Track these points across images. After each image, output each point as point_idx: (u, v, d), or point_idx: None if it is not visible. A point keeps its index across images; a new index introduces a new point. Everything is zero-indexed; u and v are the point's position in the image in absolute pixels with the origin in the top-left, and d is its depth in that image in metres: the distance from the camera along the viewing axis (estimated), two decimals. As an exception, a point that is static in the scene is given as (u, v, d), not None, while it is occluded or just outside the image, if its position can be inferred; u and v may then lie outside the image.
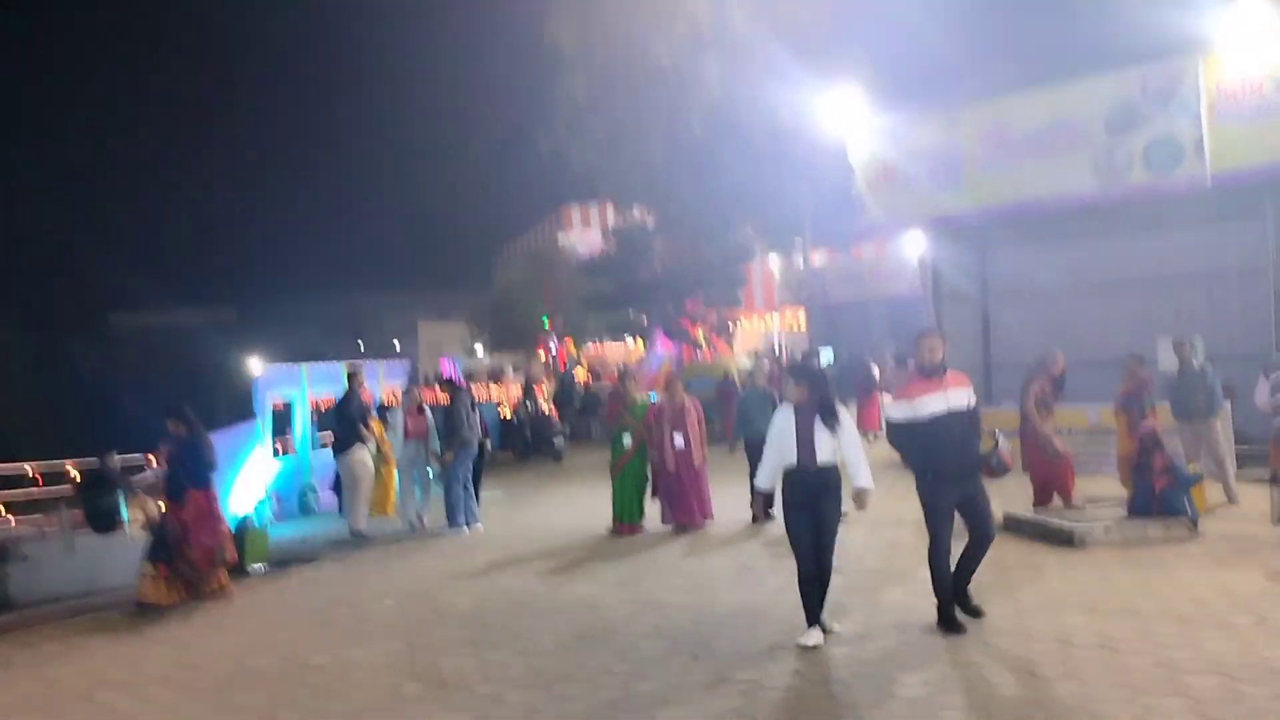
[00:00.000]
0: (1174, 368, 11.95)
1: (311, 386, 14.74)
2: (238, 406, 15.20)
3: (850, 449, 6.28)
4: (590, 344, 40.89)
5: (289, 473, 14.24)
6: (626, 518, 10.78)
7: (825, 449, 6.17)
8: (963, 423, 6.28)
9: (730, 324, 31.63)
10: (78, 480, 14.89)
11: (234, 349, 47.39)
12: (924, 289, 17.23)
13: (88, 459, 13.86)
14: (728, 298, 30.96)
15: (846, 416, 6.35)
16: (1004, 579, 7.62)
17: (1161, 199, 14.05)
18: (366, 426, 12.36)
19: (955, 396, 6.28)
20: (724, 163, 27.29)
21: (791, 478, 6.25)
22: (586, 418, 26.15)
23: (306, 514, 14.27)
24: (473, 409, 12.09)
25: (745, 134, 26.58)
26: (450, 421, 11.83)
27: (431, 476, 12.48)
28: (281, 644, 7.22)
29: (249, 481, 13.22)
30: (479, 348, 50.07)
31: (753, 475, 10.16)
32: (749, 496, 10.46)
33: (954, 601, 6.39)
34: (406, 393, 13.08)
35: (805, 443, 6.17)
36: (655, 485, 10.82)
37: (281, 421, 14.36)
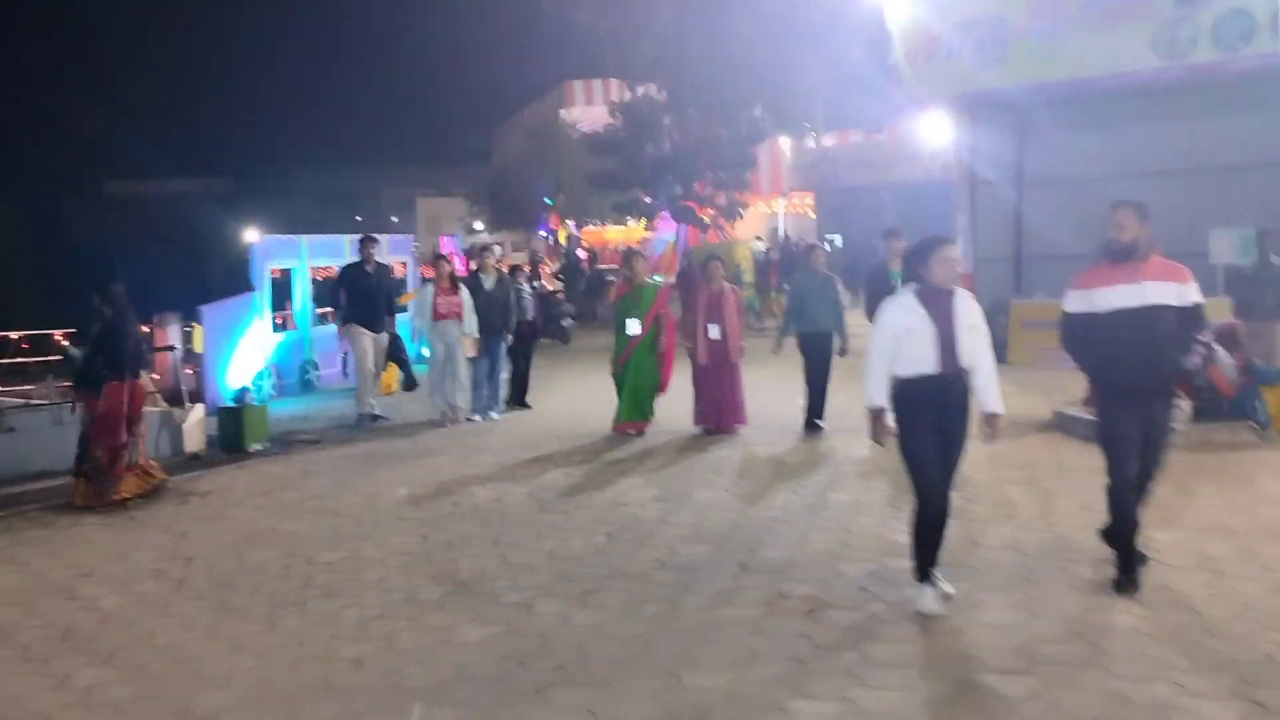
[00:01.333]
0: (1233, 260, 11.19)
1: (311, 258, 13.94)
2: (234, 278, 14.44)
3: (986, 355, 4.87)
4: (589, 224, 39.82)
5: (289, 347, 13.56)
6: (629, 414, 9.59)
7: (966, 351, 4.75)
8: (1161, 323, 4.86)
9: (739, 207, 30.60)
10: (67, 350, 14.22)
11: (230, 220, 46.43)
12: (957, 172, 16.25)
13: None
14: (737, 180, 29.84)
15: (980, 312, 4.92)
16: (1069, 484, 7.03)
17: (1227, 79, 13.03)
18: (392, 302, 11.50)
19: (1155, 290, 4.86)
20: (737, 33, 25.96)
21: (917, 388, 4.73)
22: (591, 299, 25.43)
23: (308, 390, 13.66)
24: (509, 286, 11.23)
25: (761, 2, 25.24)
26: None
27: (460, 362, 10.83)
28: (285, 536, 6.65)
29: (247, 356, 12.56)
30: (479, 225, 48.92)
31: (811, 377, 9.31)
32: (802, 401, 9.50)
33: (1133, 549, 5.04)
34: (436, 266, 11.79)
35: (946, 342, 4.69)
36: (665, 380, 9.78)
37: (281, 295, 13.61)
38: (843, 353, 9.31)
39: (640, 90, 29.54)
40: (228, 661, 4.63)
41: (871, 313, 8.37)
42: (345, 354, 13.48)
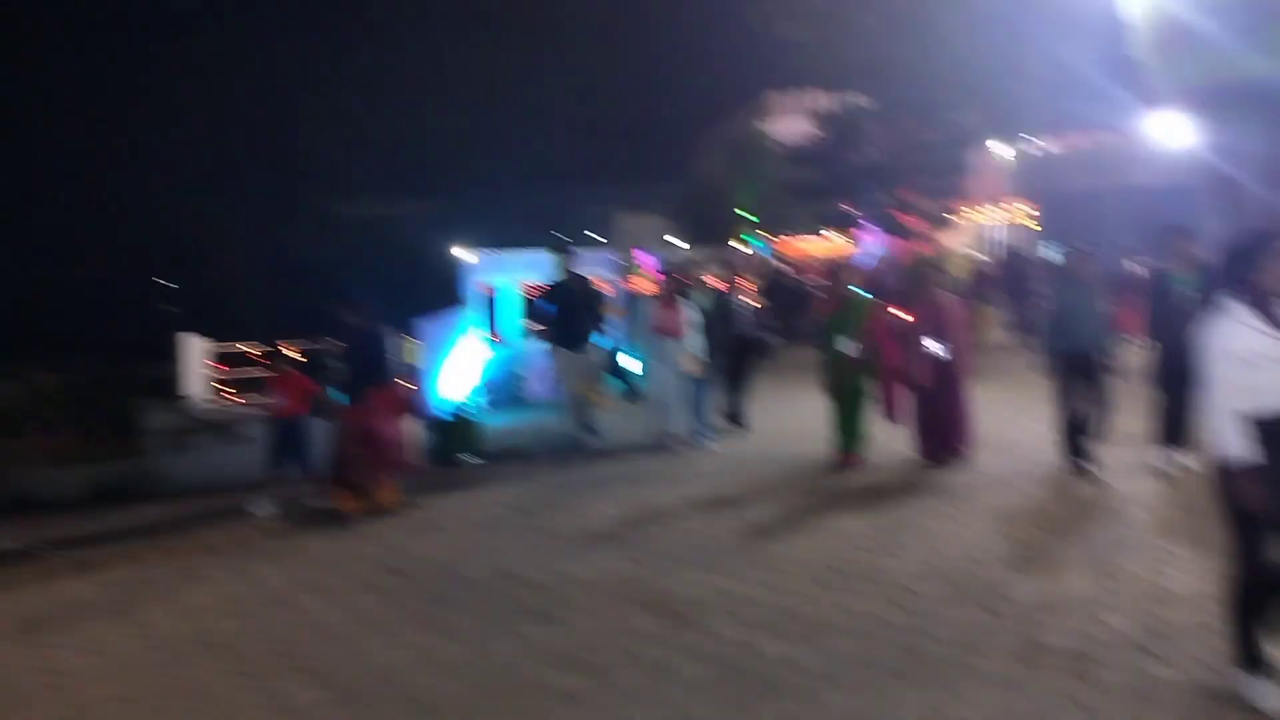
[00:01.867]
0: None
1: (519, 274, 14.10)
2: (445, 294, 14.82)
3: None
4: (788, 238, 39.19)
5: (499, 362, 13.73)
6: (846, 443, 8.71)
7: None
8: None
9: (949, 215, 29.24)
10: (297, 363, 14.98)
11: (441, 237, 48.57)
12: (1206, 172, 14.80)
13: (308, 342, 13.83)
14: (947, 187, 28.55)
15: None
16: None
17: None
18: (600, 319, 11.10)
19: None
20: (949, 34, 24.82)
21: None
22: (792, 314, 24.83)
23: (517, 405, 13.79)
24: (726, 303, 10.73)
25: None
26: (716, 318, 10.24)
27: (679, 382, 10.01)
28: (495, 552, 6.53)
29: (460, 370, 12.79)
30: (677, 240, 49.10)
31: (1065, 404, 7.81)
32: (1058, 434, 7.98)
33: None
34: (663, 280, 10.99)
35: None
36: (890, 405, 8.75)
37: (492, 310, 13.83)
38: (1108, 374, 7.93)
39: (844, 97, 28.82)
40: (440, 688, 4.47)
41: (1157, 330, 7.42)
42: (554, 369, 13.54)
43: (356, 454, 7.78)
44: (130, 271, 76.40)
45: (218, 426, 13.58)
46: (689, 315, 9.74)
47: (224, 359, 15.43)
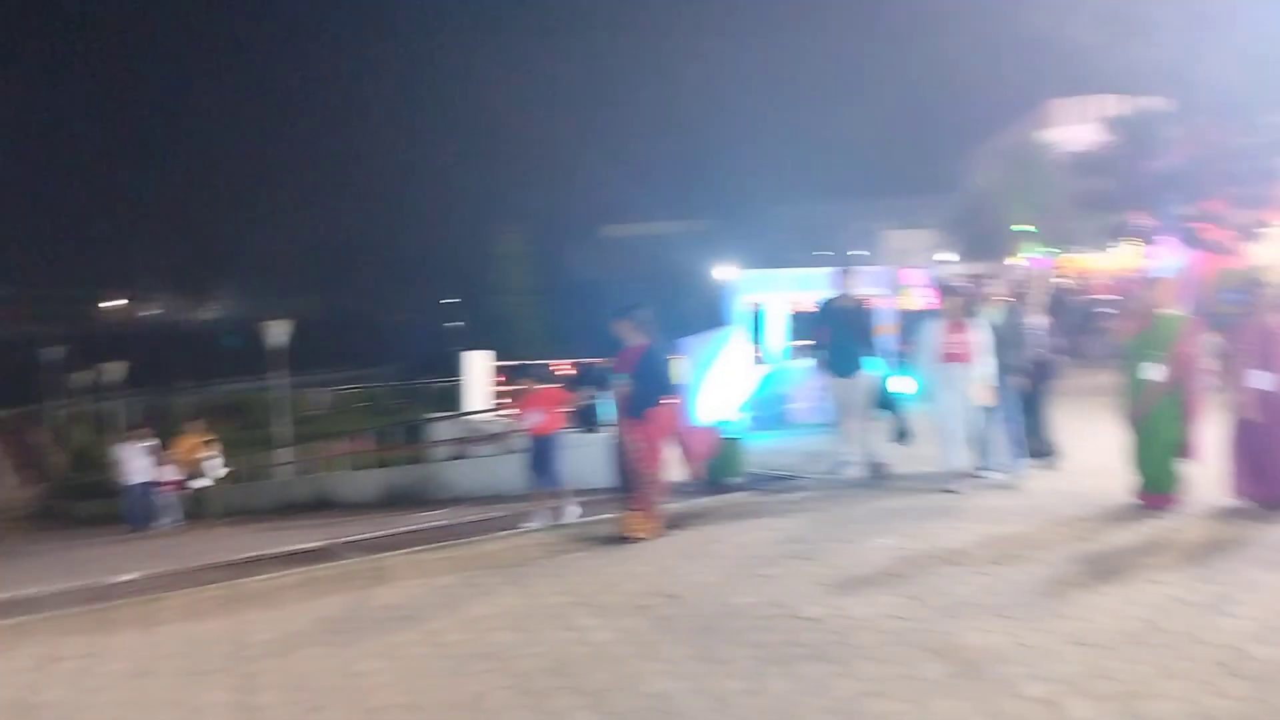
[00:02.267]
0: None
1: (786, 291, 13.89)
2: (709, 313, 14.85)
3: None
4: (1071, 252, 36.59)
5: (765, 380, 13.57)
6: (1156, 485, 7.69)
7: None
8: None
9: (1261, 228, 26.23)
10: (570, 376, 15.50)
11: (707, 257, 49.36)
12: None
13: (583, 359, 14.28)
14: (1258, 197, 25.61)
15: None
16: None
17: None
18: (872, 339, 10.49)
19: None
20: (1258, 27, 22.28)
21: None
22: (1078, 335, 23.06)
23: (781, 425, 13.57)
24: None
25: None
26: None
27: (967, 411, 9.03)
28: (768, 582, 6.30)
29: (724, 389, 12.72)
30: (949, 256, 47.10)
31: None
32: None
33: None
34: (949, 297, 9.94)
35: None
36: (1190, 440, 7.64)
37: (758, 327, 13.70)
38: None
39: (1138, 101, 26.60)
40: (715, 724, 4.30)
41: None
42: (823, 390, 13.19)
43: (638, 472, 7.74)
44: (420, 293, 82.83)
45: (495, 438, 14.25)
46: (979, 337, 8.86)
47: (505, 373, 16.19)
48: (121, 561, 11.05)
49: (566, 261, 68.14)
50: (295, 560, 8.52)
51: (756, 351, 13.70)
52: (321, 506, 15.72)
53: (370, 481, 15.14)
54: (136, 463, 16.56)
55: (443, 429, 14.65)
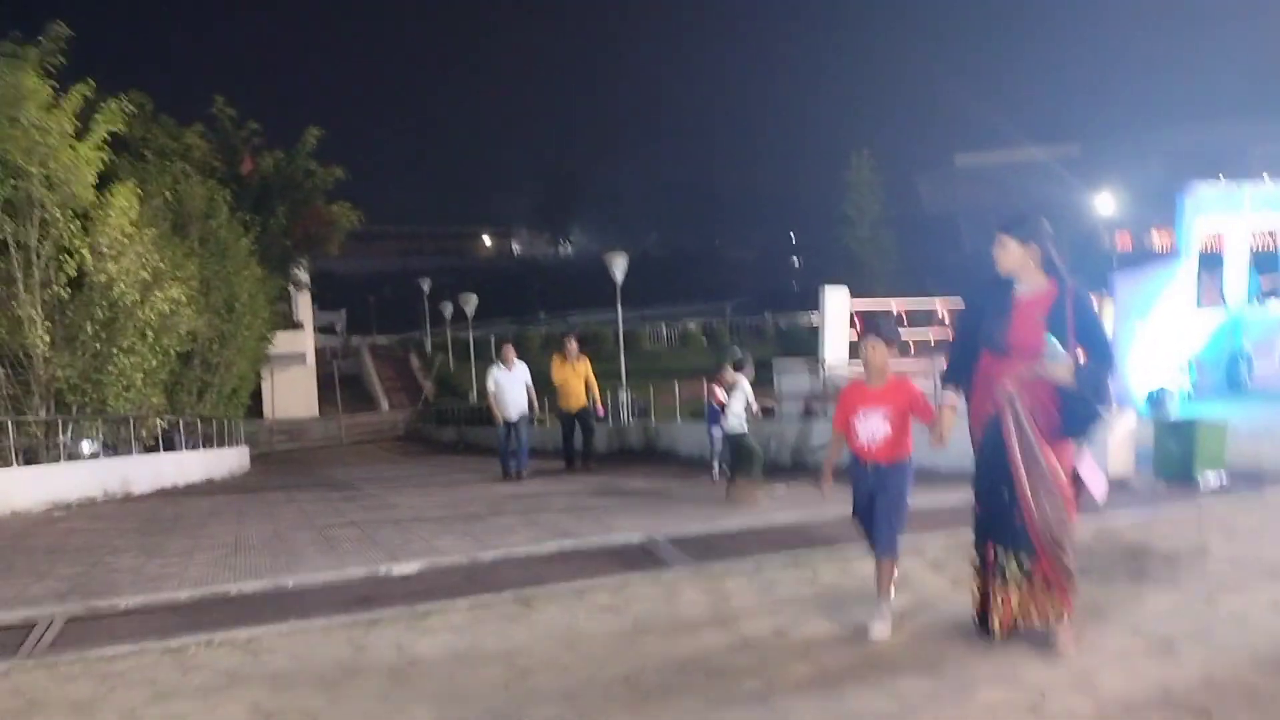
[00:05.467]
0: None
1: (1255, 213, 10.47)
2: (1081, 250, 11.65)
3: None
4: None
5: (1217, 334, 10.34)
6: None
7: None
8: None
9: None
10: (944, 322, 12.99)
11: (1080, 185, 43.88)
12: None
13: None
14: None
15: None
16: None
17: None
18: None
19: None
20: None
21: None
22: None
23: (1236, 392, 10.30)
24: None
25: None
26: None
27: None
28: None
29: (1163, 345, 9.69)
30: None
31: None
32: None
33: None
34: None
35: None
36: None
37: (1208, 265, 10.45)
38: None
39: None
40: None
41: None
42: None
43: (1050, 529, 3.79)
44: (766, 229, 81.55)
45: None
46: None
47: (863, 318, 13.90)
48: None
49: (919, 193, 63.81)
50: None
51: (1209, 296, 10.46)
52: (650, 457, 14.07)
53: (701, 436, 13.31)
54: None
55: (790, 381, 12.63)
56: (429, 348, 52.12)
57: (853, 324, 13.35)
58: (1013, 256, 3.82)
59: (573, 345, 12.08)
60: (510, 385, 11.55)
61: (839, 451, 4.36)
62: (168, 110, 27.34)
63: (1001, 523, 3.86)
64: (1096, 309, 4.16)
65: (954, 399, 3.98)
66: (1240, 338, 10.43)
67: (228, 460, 19.32)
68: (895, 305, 14.06)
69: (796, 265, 78.78)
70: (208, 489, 15.00)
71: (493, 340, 34.42)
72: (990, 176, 58.91)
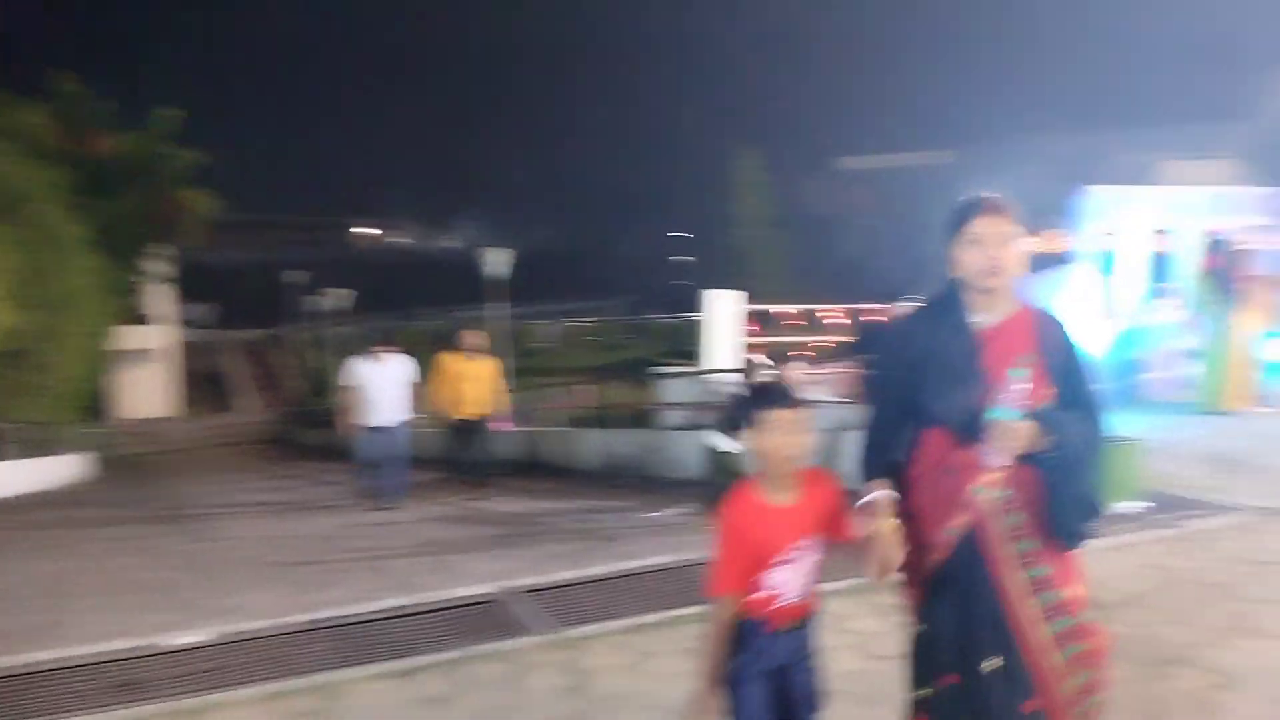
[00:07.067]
0: None
1: (1149, 217, 10.08)
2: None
3: None
4: None
5: (1114, 343, 9.90)
6: None
7: None
8: None
9: None
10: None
11: (950, 191, 44.54)
12: None
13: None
14: None
15: None
16: None
17: None
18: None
19: None
20: None
21: None
22: None
23: (1134, 405, 9.86)
24: None
25: None
26: None
27: None
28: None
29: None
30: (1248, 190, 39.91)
31: None
32: None
33: None
34: None
35: None
36: None
37: (1103, 270, 10.01)
38: None
39: None
40: None
41: None
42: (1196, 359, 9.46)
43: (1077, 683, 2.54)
44: (649, 227, 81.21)
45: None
46: None
47: (758, 320, 13.18)
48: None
49: (807, 195, 64.14)
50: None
51: (1104, 301, 10.03)
52: (533, 470, 13.01)
53: (588, 445, 12.46)
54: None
55: (675, 388, 11.80)
56: (302, 344, 49.76)
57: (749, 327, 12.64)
58: (1010, 255, 2.51)
59: (474, 339, 10.21)
60: (381, 383, 9.69)
61: (725, 634, 2.48)
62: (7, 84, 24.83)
63: None
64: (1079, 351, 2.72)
65: (889, 503, 2.49)
66: (1135, 346, 10.03)
67: (54, 471, 17.40)
68: (793, 309, 13.43)
69: (690, 264, 78.55)
70: (14, 506, 13.25)
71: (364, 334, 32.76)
72: (871, 180, 59.65)
